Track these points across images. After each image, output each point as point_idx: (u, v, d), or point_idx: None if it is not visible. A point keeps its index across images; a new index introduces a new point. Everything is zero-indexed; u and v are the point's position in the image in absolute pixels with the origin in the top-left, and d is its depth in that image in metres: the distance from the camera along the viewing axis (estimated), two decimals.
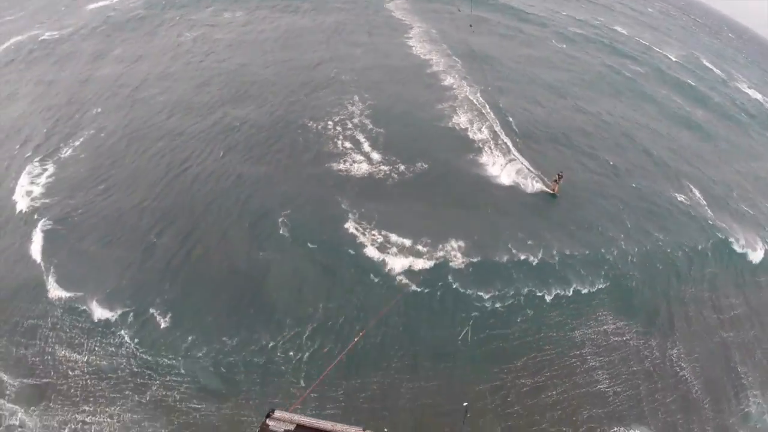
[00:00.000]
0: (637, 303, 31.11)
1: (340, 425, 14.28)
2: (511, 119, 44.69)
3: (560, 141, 43.96)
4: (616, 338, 28.95)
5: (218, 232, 30.01)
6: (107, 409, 22.02)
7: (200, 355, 23.92)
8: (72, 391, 22.51)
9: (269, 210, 31.56)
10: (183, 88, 44.26)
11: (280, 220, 30.71)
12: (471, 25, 63.25)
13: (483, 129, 42.38)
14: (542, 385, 25.44)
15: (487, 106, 45.37)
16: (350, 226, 30.77)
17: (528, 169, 38.59)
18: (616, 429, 24.89)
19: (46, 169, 34.02)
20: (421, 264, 28.83)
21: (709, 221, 39.22)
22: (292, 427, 14.01)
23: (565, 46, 71.53)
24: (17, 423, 21.45)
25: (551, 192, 36.56)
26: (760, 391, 30.29)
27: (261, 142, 38.04)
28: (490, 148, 40.18)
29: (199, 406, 22.44)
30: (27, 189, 32.16)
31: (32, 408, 21.84)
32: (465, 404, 22.23)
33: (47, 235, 28.88)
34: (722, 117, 63.56)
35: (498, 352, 26.35)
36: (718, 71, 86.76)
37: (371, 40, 59.59)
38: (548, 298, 29.07)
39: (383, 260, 28.79)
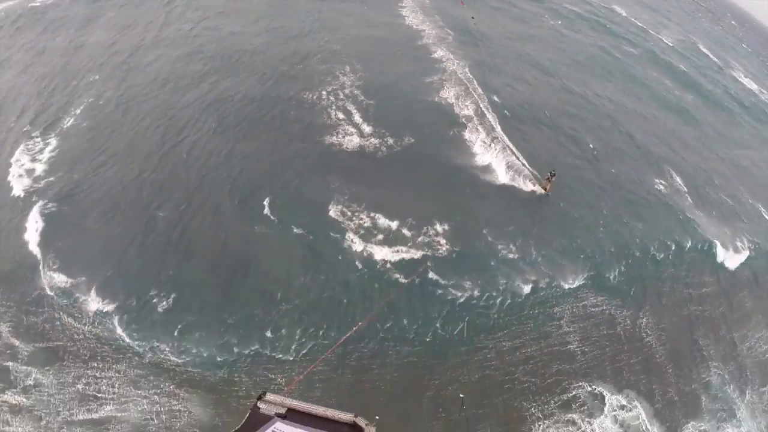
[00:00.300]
0: (616, 283, 32.76)
1: (331, 410, 14.18)
2: (496, 97, 45.42)
3: (544, 121, 44.80)
4: (593, 309, 30.98)
5: (211, 208, 30.93)
6: (114, 366, 23.89)
7: (198, 333, 25.20)
8: (81, 351, 24.22)
9: (259, 187, 32.46)
10: (176, 56, 44.55)
11: (267, 201, 31.50)
12: (473, 17, 62.43)
13: (469, 105, 43.19)
14: (519, 346, 27.78)
15: (475, 82, 46.07)
16: (337, 209, 31.70)
17: (511, 149, 39.54)
18: (581, 383, 27.17)
19: (48, 143, 34.50)
20: (405, 252, 29.92)
21: (688, 209, 40.53)
22: (283, 410, 13.84)
23: (559, 22, 71.62)
24: (32, 383, 23.05)
25: (543, 191, 36.70)
26: (722, 363, 32.44)
27: (253, 113, 38.83)
28: (474, 125, 41.03)
29: (194, 371, 24.11)
30: (28, 167, 32.59)
31: (47, 368, 23.53)
32: (461, 395, 23.47)
33: (49, 215, 29.63)
34: (712, 104, 64.24)
35: (482, 326, 28.13)
36: (714, 58, 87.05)
37: (363, 9, 59.52)
38: (526, 288, 30.28)
39: (369, 249, 29.78)
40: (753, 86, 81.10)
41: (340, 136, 37.42)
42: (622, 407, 27.56)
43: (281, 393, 15.06)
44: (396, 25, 56.27)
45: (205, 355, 24.29)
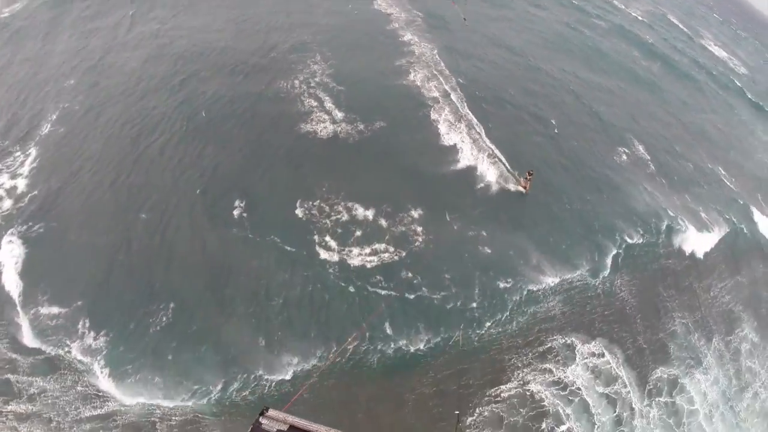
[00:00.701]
0: (587, 259, 35.07)
1: (333, 430, 14.68)
2: (462, 79, 47.30)
3: (509, 100, 46.81)
4: (569, 281, 33.59)
5: (185, 215, 32.24)
6: None
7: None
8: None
9: (229, 189, 33.84)
10: (145, 56, 45.61)
11: (237, 202, 32.95)
12: (465, 18, 61.25)
13: (436, 86, 45.16)
14: (504, 329, 30.18)
15: (443, 64, 48.00)
16: (311, 205, 33.38)
17: (475, 128, 41.71)
18: (557, 336, 30.30)
19: (28, 155, 35.64)
20: (383, 252, 31.59)
21: (650, 177, 43.09)
22: (285, 427, 14.30)
23: (528, 3, 72.84)
24: (37, 391, 24.97)
25: (522, 190, 37.55)
26: (688, 313, 35.14)
27: (225, 109, 40.27)
28: (441, 106, 43.10)
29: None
30: (8, 186, 33.49)
31: (49, 376, 25.39)
32: (456, 412, 24.46)
33: (33, 238, 30.70)
34: (678, 74, 66.26)
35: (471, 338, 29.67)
36: (684, 28, 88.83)
37: None
38: (503, 283, 31.99)
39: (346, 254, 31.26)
40: (722, 54, 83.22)
41: (314, 123, 39.17)
42: (593, 354, 30.57)
43: (283, 409, 15.59)
44: (365, 11, 57.48)
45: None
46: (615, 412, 28.98)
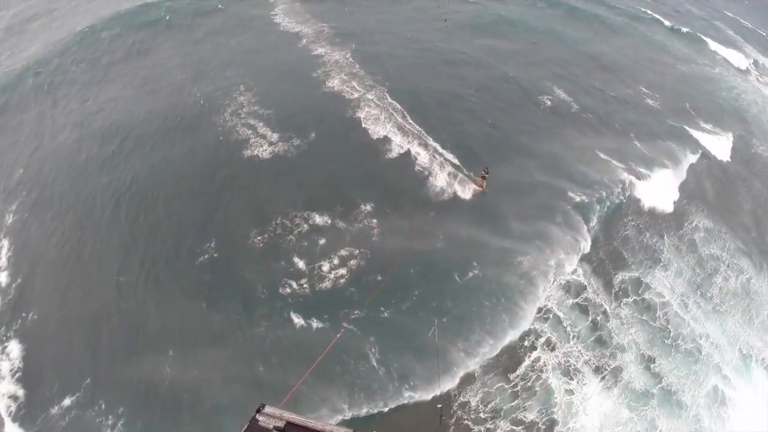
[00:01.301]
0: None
1: (330, 426, 14.80)
2: (379, 74, 50.70)
3: (426, 85, 50.42)
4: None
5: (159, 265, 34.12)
6: None
7: None
8: None
9: (198, 230, 35.94)
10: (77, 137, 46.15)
11: (207, 245, 34.90)
12: (445, 20, 62.71)
13: (356, 86, 48.72)
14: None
15: (357, 65, 51.64)
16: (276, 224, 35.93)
17: (403, 117, 45.38)
18: None
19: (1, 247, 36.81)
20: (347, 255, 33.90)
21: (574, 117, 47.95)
22: (281, 423, 14.27)
23: None
24: None
25: (479, 189, 38.77)
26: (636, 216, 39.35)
27: (169, 155, 42.05)
28: (366, 102, 46.75)
29: None
30: None
31: None
32: (439, 406, 25.08)
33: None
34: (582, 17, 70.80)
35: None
36: None
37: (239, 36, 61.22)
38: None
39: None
40: None
41: (253, 148, 41.70)
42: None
43: (279, 405, 15.67)
44: (271, 35, 60.05)
45: None
46: (588, 318, 32.26)
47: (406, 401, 26.84)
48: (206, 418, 26.44)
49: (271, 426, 14.26)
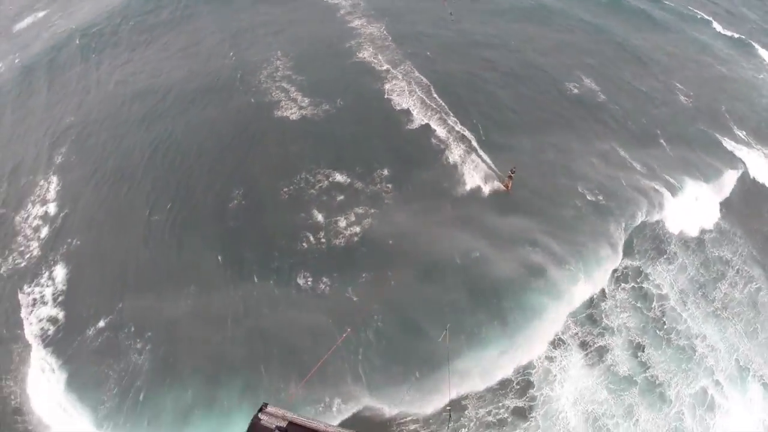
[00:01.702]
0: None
1: (333, 427, 14.81)
2: (410, 49, 52.65)
3: (453, 55, 52.35)
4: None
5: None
6: None
7: None
8: None
9: (228, 178, 39.42)
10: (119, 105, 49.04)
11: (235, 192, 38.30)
12: (451, 13, 61.28)
13: (385, 59, 50.96)
14: None
15: (389, 39, 53.68)
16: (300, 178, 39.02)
17: (429, 91, 47.26)
18: None
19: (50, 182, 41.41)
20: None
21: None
22: (284, 423, 14.26)
23: None
24: None
25: (504, 189, 38.27)
26: None
27: (208, 111, 45.67)
28: (393, 75, 49.04)
29: None
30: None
31: None
32: (448, 408, 25.07)
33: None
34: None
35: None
36: None
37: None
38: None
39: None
40: None
41: (284, 110, 44.71)
42: None
43: (281, 405, 15.80)
44: (311, 6, 62.18)
45: None
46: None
47: (411, 402, 27.19)
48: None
49: (274, 425, 14.29)
